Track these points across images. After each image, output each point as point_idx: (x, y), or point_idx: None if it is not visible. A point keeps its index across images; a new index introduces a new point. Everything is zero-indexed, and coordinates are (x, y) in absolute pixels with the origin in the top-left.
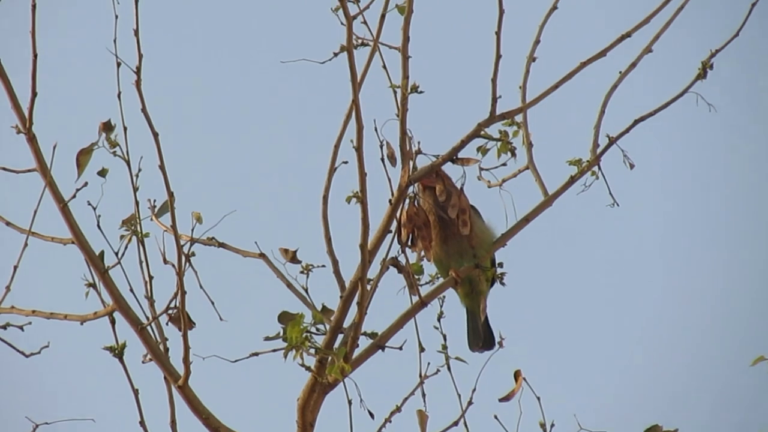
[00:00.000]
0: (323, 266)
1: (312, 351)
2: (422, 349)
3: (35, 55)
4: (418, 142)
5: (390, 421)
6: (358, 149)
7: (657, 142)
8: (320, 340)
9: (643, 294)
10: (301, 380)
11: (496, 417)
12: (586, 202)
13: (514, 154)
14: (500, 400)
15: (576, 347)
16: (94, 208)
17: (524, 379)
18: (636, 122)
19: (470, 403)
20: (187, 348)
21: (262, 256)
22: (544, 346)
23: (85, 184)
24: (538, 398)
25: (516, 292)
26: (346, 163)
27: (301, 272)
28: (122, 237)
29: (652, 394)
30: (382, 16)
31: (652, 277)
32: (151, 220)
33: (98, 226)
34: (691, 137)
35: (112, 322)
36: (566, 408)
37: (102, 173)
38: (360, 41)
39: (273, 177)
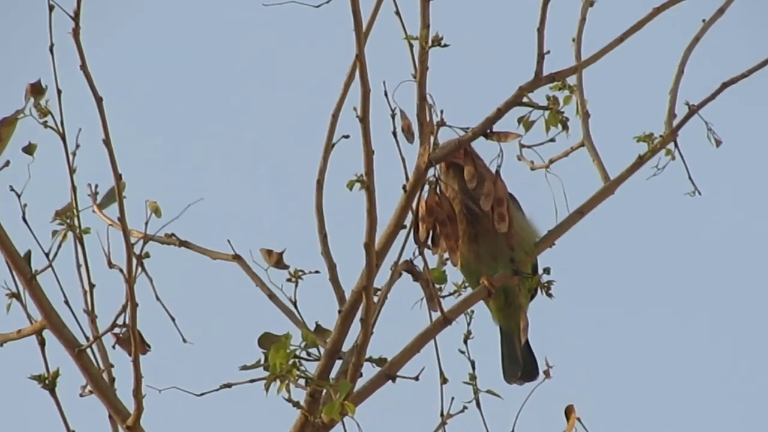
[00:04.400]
0: (317, 272)
1: (302, 382)
2: (445, 380)
3: None
4: (441, 111)
5: None
6: (364, 120)
7: (749, 114)
8: (313, 368)
9: (723, 306)
10: (288, 419)
11: None
12: (659, 190)
13: (565, 127)
14: None
15: (639, 376)
16: (19, 196)
17: (578, 418)
18: (724, 86)
19: None
20: (138, 378)
21: (236, 258)
22: (600, 377)
23: (7, 163)
24: None
25: (566, 307)
26: (347, 137)
27: (289, 280)
28: (55, 233)
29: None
30: None
31: (734, 282)
32: (93, 211)
33: (24, 218)
34: None
35: (42, 343)
36: None
37: (29, 150)
38: None
39: (252, 156)
